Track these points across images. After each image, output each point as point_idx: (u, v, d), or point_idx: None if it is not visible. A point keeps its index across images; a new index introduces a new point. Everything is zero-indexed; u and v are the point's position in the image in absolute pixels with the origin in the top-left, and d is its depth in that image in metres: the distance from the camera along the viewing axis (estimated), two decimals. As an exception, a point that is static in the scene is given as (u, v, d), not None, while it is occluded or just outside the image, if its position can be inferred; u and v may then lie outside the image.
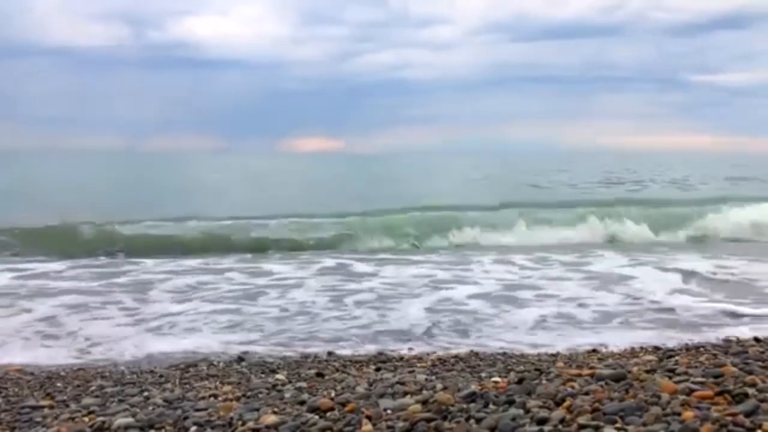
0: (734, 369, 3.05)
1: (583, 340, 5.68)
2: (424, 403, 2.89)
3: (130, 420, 3.17)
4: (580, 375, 3.23)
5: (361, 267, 9.86)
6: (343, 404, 3.08)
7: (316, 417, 2.94)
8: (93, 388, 4.33)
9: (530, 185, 27.63)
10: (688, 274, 8.84)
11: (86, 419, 3.36)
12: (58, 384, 4.52)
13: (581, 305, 7.10)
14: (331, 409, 3.05)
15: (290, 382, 4.22)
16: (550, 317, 6.59)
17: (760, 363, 3.36)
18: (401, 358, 5.09)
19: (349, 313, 6.84)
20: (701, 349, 4.85)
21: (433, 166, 49.45)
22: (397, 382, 3.65)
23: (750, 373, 2.98)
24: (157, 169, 43.56)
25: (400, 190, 23.80)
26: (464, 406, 2.81)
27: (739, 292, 7.66)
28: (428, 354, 5.26)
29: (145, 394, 4.01)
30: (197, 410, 3.31)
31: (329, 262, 10.34)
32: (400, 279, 8.80)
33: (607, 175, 34.40)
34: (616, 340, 5.62)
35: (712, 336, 5.65)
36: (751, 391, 2.61)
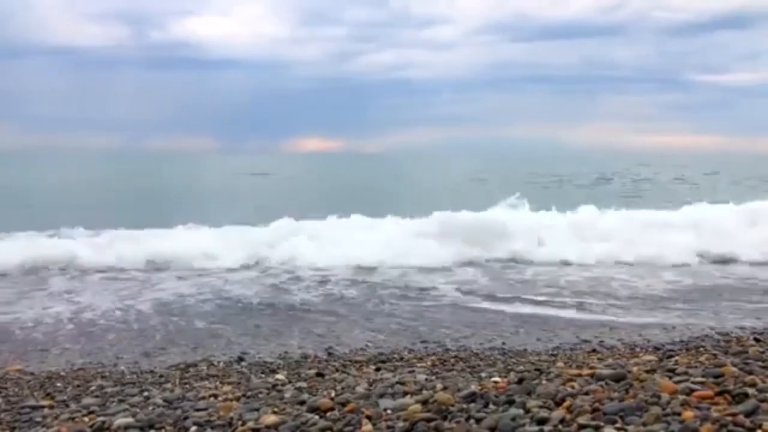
0: (734, 369, 3.04)
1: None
2: (424, 403, 2.89)
3: (130, 420, 3.17)
4: (580, 375, 3.22)
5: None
6: (343, 404, 3.08)
7: (316, 417, 2.94)
8: (93, 388, 4.33)
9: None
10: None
11: (86, 419, 3.37)
12: (58, 384, 4.52)
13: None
14: (331, 409, 3.05)
15: (290, 382, 4.22)
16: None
17: (760, 363, 3.35)
18: (401, 358, 5.09)
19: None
20: (701, 349, 4.85)
21: (438, 166, 48.82)
22: (397, 382, 3.64)
23: (750, 373, 2.98)
24: (153, 170, 43.12)
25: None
26: (464, 406, 2.80)
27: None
28: (428, 354, 5.27)
29: (145, 394, 4.01)
30: (197, 410, 3.31)
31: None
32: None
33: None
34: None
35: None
36: (751, 391, 2.61)
